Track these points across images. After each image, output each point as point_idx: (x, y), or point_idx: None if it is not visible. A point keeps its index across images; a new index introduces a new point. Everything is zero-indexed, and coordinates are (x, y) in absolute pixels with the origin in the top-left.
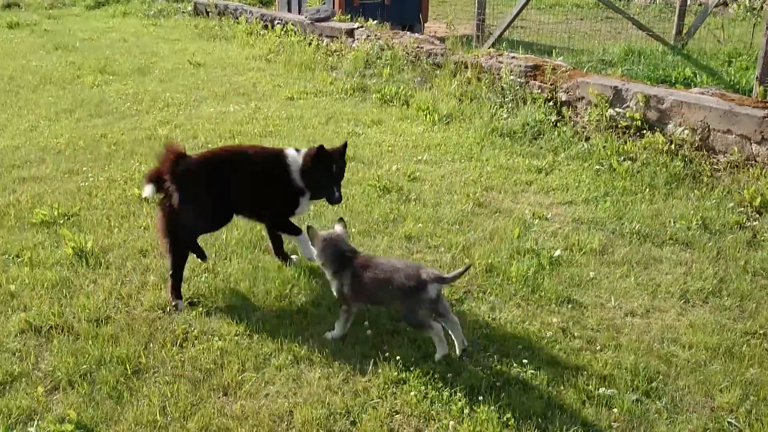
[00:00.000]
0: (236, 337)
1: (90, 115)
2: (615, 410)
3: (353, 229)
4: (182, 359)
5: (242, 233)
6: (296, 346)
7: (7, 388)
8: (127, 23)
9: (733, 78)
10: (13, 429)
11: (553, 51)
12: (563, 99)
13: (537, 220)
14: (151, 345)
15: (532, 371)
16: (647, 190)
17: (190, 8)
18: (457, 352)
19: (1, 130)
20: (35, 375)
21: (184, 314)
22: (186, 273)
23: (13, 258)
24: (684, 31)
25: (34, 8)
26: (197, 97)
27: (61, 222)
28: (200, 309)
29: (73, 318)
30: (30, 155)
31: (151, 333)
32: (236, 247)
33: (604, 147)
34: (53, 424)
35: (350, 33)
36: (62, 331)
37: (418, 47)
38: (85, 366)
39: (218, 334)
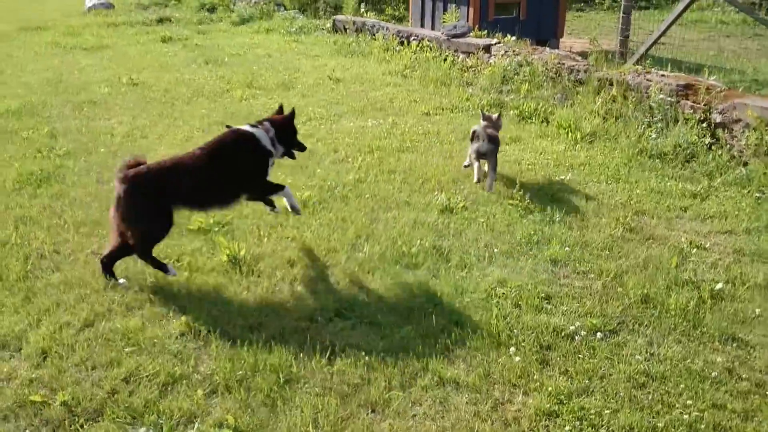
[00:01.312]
0: (382, 353)
1: None
2: None
3: (495, 250)
4: (330, 372)
5: (384, 248)
6: (441, 367)
7: (169, 389)
8: (270, 39)
9: None
10: (175, 430)
11: (705, 69)
12: (718, 120)
13: (695, 250)
14: (302, 355)
15: (697, 414)
16: None
17: (328, 25)
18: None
19: (160, 140)
20: (195, 378)
21: (329, 327)
22: (330, 284)
23: (173, 262)
24: None
25: (183, 23)
26: (337, 112)
27: (216, 230)
28: (346, 322)
29: (228, 323)
30: None
31: (301, 343)
32: (379, 261)
33: (765, 173)
34: (213, 427)
35: (487, 49)
36: (219, 336)
37: (558, 63)
38: (241, 372)
39: (364, 349)
